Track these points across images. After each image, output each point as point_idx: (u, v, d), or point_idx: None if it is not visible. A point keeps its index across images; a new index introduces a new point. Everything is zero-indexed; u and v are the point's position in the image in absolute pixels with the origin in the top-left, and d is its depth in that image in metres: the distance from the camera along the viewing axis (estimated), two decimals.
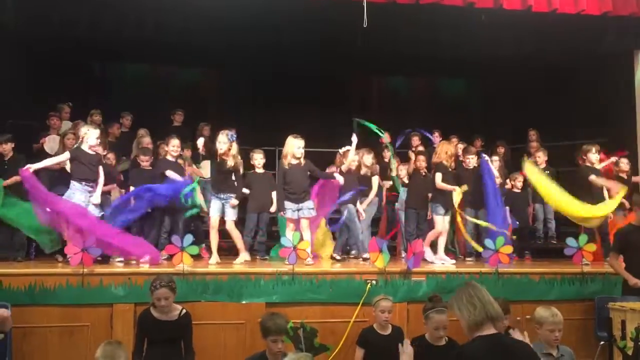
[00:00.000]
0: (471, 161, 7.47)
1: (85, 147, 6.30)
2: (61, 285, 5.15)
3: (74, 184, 6.18)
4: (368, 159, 7.55)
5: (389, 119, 10.28)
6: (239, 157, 6.64)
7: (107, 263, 6.12)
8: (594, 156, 7.13)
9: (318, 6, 7.27)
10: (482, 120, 10.93)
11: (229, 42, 8.74)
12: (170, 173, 6.78)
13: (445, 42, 8.80)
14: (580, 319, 5.73)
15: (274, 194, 7.28)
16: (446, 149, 7.06)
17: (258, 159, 7.44)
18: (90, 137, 6.31)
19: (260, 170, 7.46)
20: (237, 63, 9.96)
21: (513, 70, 9.96)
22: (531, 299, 5.54)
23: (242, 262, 6.42)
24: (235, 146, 6.48)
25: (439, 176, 6.91)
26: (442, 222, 6.87)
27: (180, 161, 7.32)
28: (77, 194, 6.13)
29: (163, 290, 4.42)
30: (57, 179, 6.72)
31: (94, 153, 6.37)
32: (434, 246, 6.93)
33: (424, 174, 7.44)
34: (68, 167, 6.69)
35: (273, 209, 7.30)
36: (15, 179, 6.42)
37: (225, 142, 6.38)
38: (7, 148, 6.69)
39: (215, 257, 6.27)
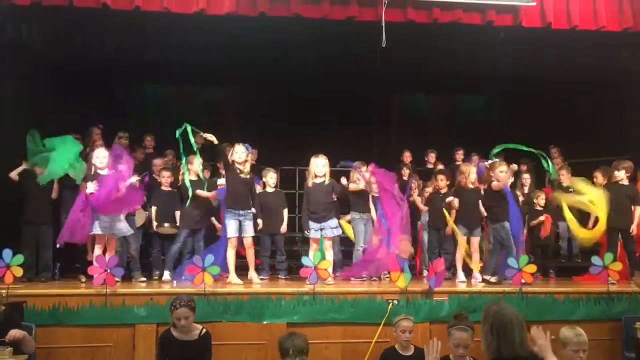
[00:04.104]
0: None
1: (100, 170, 6.27)
2: (84, 306, 5.20)
3: None
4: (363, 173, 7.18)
5: (410, 137, 10.32)
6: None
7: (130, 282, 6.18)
8: (619, 173, 7.06)
9: (337, 26, 7.32)
10: (503, 138, 10.84)
11: (250, 62, 8.83)
12: (200, 192, 6.88)
13: (464, 60, 8.82)
14: (606, 339, 5.62)
15: (285, 213, 7.29)
16: (462, 170, 7.03)
17: (273, 177, 7.43)
18: (94, 159, 6.27)
19: (271, 190, 7.46)
20: (257, 83, 10.04)
21: (533, 87, 9.91)
22: (556, 319, 5.44)
23: (256, 280, 6.43)
24: (250, 158, 6.50)
25: (456, 201, 6.95)
26: (464, 242, 6.83)
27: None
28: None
29: (182, 309, 4.43)
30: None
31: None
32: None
33: (443, 193, 7.39)
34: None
35: (283, 229, 7.30)
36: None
37: (243, 151, 6.36)
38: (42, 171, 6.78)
39: (236, 278, 6.27)
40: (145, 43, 8.35)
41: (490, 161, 6.93)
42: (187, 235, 6.91)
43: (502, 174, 6.68)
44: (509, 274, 5.89)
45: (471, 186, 6.93)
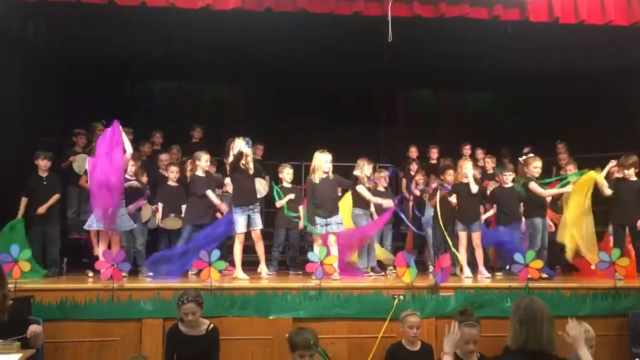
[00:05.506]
0: (508, 178, 7.10)
1: None
2: (91, 300, 5.23)
3: None
4: (368, 169, 7.16)
5: (416, 133, 10.30)
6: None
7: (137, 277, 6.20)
8: (630, 172, 7.01)
9: (343, 21, 7.30)
10: (509, 133, 10.83)
11: (255, 57, 8.82)
12: (210, 193, 6.93)
13: (471, 55, 8.76)
14: (614, 335, 5.60)
15: (301, 209, 7.30)
16: (459, 166, 7.05)
17: (290, 173, 7.46)
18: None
19: (288, 185, 7.48)
20: (263, 78, 10.03)
21: (540, 83, 9.87)
22: (563, 315, 5.40)
23: (265, 274, 6.48)
24: (250, 152, 6.50)
25: (454, 197, 6.99)
26: (464, 237, 6.84)
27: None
28: None
29: (190, 305, 4.45)
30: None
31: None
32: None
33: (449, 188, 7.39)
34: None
35: (301, 224, 7.31)
36: (55, 198, 6.68)
37: (243, 145, 6.33)
38: (47, 165, 6.81)
39: (242, 273, 6.27)
40: (150, 39, 8.34)
41: (524, 157, 6.93)
42: (191, 231, 6.90)
43: (537, 170, 6.76)
44: (515, 270, 5.88)
45: (465, 181, 6.93)
